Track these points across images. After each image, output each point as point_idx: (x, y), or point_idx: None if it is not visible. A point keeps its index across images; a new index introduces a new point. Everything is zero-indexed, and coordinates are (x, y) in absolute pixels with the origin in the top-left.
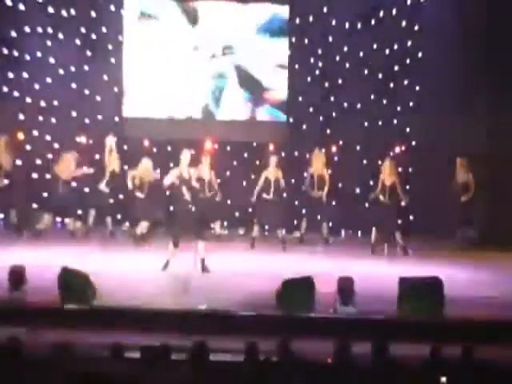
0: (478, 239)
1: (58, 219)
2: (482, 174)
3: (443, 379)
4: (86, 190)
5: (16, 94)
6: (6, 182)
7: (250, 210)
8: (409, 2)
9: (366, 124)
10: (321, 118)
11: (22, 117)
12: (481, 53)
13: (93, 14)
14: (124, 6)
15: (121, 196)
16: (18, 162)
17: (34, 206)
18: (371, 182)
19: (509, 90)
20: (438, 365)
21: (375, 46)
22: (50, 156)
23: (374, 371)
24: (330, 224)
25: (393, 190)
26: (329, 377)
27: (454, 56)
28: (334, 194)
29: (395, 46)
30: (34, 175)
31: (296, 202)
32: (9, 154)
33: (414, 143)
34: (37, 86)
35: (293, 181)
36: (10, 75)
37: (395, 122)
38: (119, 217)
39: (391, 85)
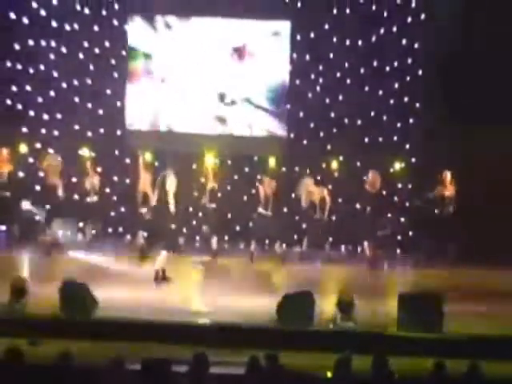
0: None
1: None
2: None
3: None
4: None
5: (19, 106)
6: (7, 194)
7: (251, 224)
8: (409, 21)
9: (366, 140)
10: (321, 134)
11: (25, 129)
12: (481, 69)
13: (96, 28)
14: (128, 21)
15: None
16: (21, 174)
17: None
18: None
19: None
20: (440, 380)
21: (376, 64)
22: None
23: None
24: (331, 239)
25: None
26: None
27: (454, 73)
28: (334, 209)
29: (395, 64)
30: (37, 187)
31: (296, 217)
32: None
33: (413, 160)
34: (40, 99)
35: (293, 195)
36: (14, 88)
37: (395, 138)
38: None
39: (391, 101)
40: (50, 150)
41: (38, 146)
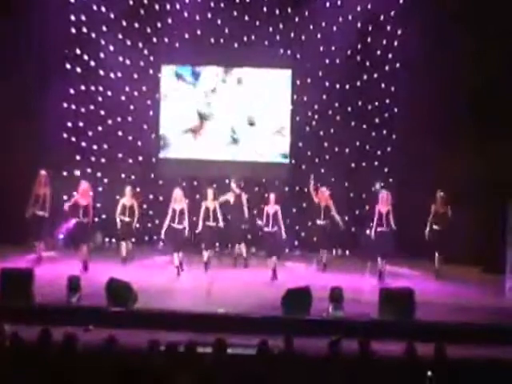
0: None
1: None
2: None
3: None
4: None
5: (73, 139)
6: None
7: (260, 234)
8: (387, 68)
9: (352, 165)
10: (317, 160)
11: (78, 157)
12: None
13: (135, 76)
14: (161, 70)
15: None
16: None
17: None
18: (357, 212)
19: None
20: (412, 359)
21: (360, 103)
22: (100, 189)
23: (359, 363)
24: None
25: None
26: (323, 367)
27: (424, 111)
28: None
29: (376, 103)
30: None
31: (297, 227)
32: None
33: (391, 180)
34: (90, 133)
35: (294, 210)
36: (69, 124)
37: (376, 163)
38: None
39: (373, 134)
40: (98, 174)
41: (89, 170)
